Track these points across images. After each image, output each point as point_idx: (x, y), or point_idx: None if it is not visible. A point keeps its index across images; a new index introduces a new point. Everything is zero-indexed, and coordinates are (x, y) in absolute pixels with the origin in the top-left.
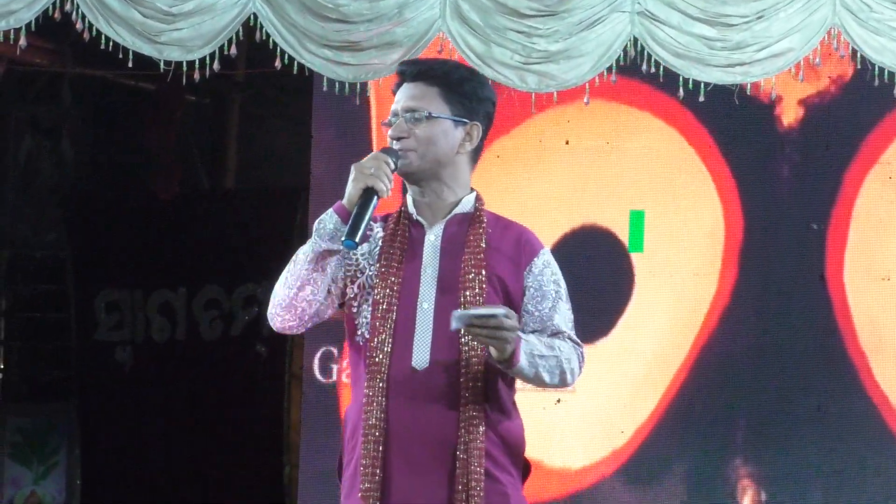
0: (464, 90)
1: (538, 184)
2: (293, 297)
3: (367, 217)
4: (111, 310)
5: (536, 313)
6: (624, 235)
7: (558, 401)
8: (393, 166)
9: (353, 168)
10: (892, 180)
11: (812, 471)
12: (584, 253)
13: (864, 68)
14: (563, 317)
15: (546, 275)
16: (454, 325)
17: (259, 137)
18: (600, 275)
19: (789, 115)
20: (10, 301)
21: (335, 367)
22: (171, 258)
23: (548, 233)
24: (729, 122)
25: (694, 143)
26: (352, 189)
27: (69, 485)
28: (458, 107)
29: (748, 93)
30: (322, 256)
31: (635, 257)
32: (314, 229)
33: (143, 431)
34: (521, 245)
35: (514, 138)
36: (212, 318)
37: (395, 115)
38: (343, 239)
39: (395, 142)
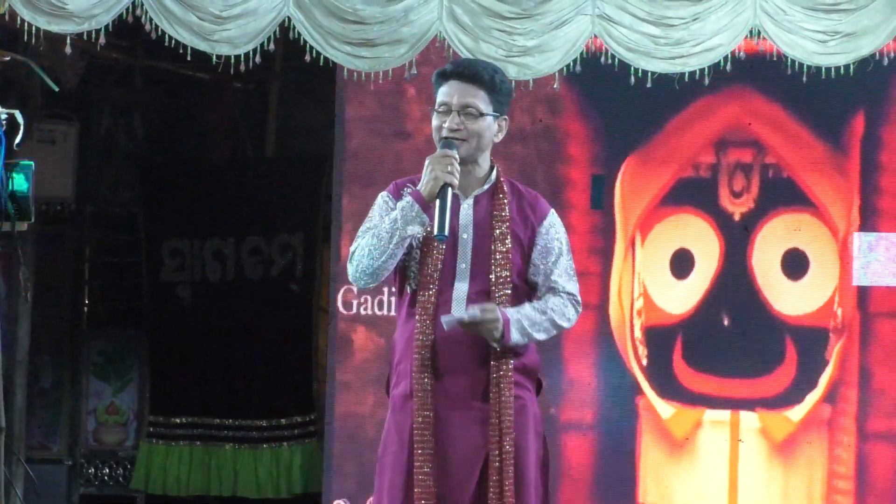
0: (502, 91)
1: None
2: (378, 267)
3: (449, 210)
4: (174, 255)
5: (542, 266)
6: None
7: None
8: (458, 159)
9: (429, 162)
10: None
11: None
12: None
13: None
14: (563, 268)
15: (551, 234)
16: (445, 327)
17: (293, 115)
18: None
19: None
20: (92, 248)
21: (354, 302)
22: (223, 213)
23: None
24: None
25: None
26: (433, 185)
27: (140, 397)
28: (496, 105)
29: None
30: (404, 238)
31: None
32: (399, 215)
33: (199, 353)
34: (533, 209)
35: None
36: (255, 262)
37: (446, 106)
38: (436, 234)
39: (446, 129)
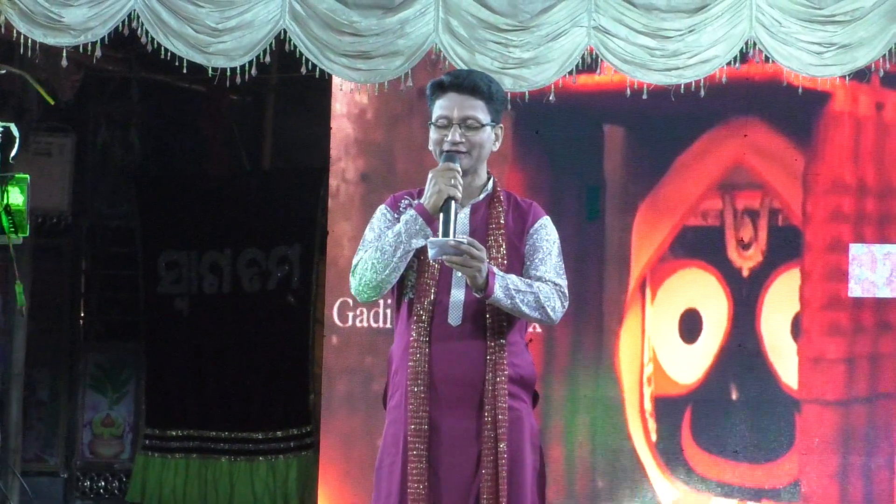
0: (497, 100)
1: None
2: (382, 280)
3: (452, 223)
4: (171, 267)
5: (528, 262)
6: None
7: None
8: (461, 172)
9: (432, 175)
10: None
11: None
12: None
13: None
14: (551, 265)
15: (541, 234)
16: (431, 253)
17: (289, 128)
18: None
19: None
20: (89, 261)
21: (350, 314)
22: (219, 225)
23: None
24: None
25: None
26: (437, 199)
27: (136, 409)
28: (494, 114)
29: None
30: (408, 251)
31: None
32: (403, 229)
33: (196, 366)
34: (527, 216)
35: None
36: (252, 274)
37: (446, 119)
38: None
39: (448, 143)
